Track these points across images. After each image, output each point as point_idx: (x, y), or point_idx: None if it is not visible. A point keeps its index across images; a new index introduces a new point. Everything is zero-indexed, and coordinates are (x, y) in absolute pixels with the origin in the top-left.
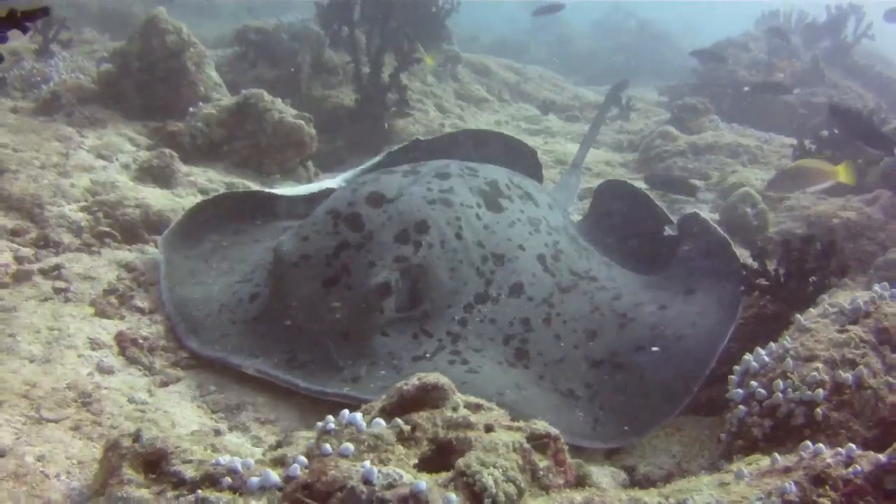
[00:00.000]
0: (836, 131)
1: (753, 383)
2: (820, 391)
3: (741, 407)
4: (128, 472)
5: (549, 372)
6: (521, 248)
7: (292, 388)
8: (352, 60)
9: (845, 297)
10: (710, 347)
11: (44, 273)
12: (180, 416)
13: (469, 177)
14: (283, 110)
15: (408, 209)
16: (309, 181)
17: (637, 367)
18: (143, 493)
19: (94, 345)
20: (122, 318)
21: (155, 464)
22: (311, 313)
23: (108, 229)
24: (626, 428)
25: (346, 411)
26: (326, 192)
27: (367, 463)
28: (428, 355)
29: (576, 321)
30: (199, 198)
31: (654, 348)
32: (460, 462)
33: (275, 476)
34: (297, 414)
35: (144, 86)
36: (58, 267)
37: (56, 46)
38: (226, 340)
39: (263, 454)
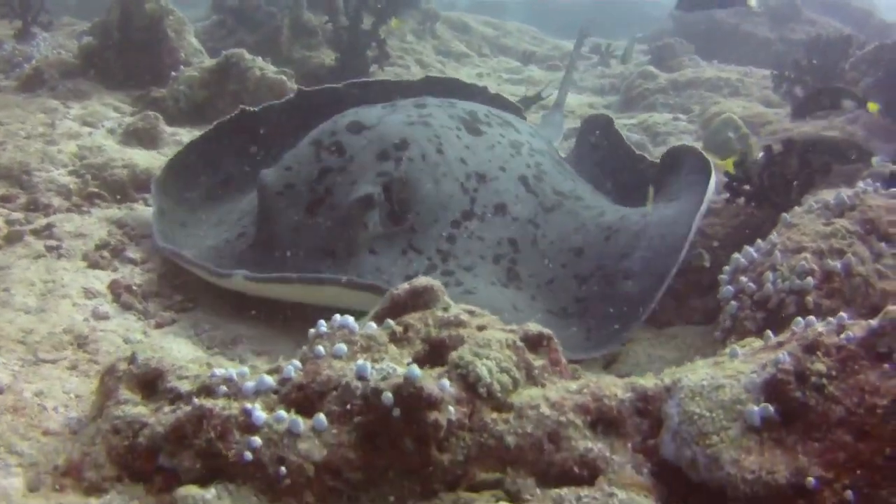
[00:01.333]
0: (814, 61)
1: (743, 278)
2: (809, 279)
3: (733, 303)
4: (125, 392)
5: (540, 294)
6: (501, 170)
7: (284, 281)
8: (330, 20)
9: (830, 195)
10: (686, 227)
11: (35, 233)
12: (176, 350)
13: (447, 107)
14: (264, 67)
15: (388, 131)
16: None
17: (622, 273)
18: (140, 409)
19: (89, 294)
20: (114, 269)
21: (152, 383)
22: (296, 237)
23: (96, 190)
24: (616, 327)
25: (337, 315)
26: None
27: (361, 360)
28: (420, 274)
29: (562, 241)
30: None
31: (639, 253)
32: (453, 354)
33: (269, 379)
34: (293, 346)
35: (126, 55)
36: (49, 226)
37: (37, 29)
38: (217, 263)
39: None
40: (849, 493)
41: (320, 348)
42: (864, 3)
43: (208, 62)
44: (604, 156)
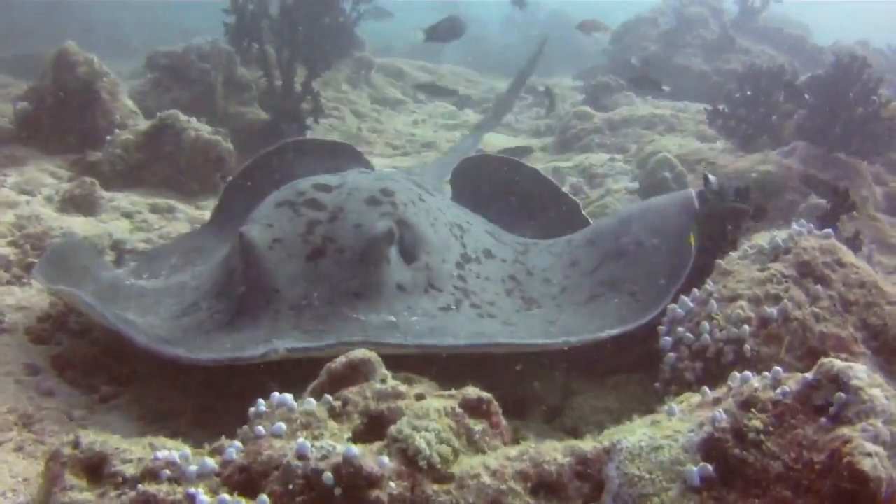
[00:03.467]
0: (748, 93)
1: (680, 329)
2: (745, 327)
3: (671, 354)
4: (70, 478)
5: (562, 301)
6: (469, 223)
7: (342, 350)
8: (264, 75)
9: (764, 238)
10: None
11: None
12: (121, 427)
13: (393, 173)
14: (199, 128)
15: (362, 184)
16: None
17: (629, 245)
18: (87, 496)
19: (33, 370)
20: (58, 342)
21: (96, 467)
22: (306, 288)
23: (36, 260)
24: (661, 282)
25: (275, 393)
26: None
27: (301, 439)
28: (454, 307)
29: (552, 266)
30: (124, 221)
31: (634, 226)
32: (392, 429)
33: (211, 462)
34: (239, 414)
35: (61, 120)
36: None
37: None
38: (217, 343)
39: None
40: None
41: (260, 428)
42: (797, 28)
43: (143, 124)
44: (512, 196)
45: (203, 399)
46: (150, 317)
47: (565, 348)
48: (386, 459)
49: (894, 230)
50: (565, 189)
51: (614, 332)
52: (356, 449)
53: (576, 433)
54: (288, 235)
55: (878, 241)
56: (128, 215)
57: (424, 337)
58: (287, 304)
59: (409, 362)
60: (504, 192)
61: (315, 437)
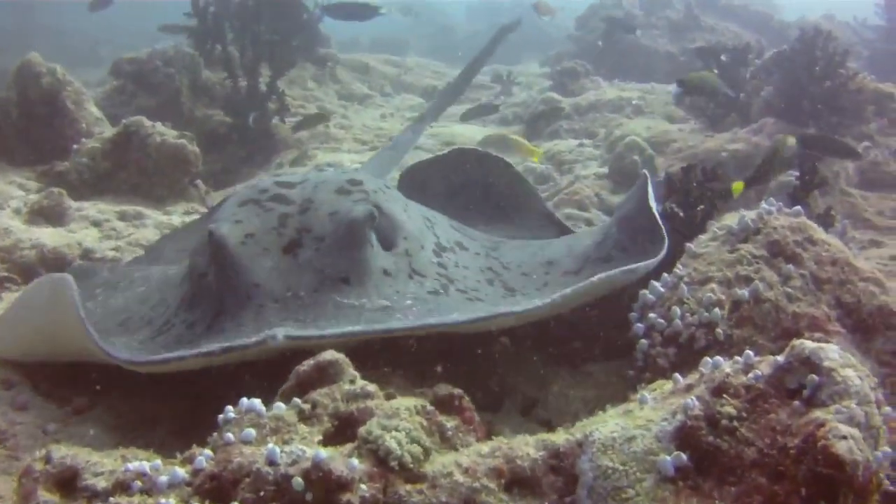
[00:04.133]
0: (714, 71)
1: (652, 315)
2: (717, 310)
3: (643, 340)
4: (43, 494)
5: (547, 292)
6: (433, 216)
7: (347, 338)
8: (228, 76)
9: (733, 219)
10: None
11: None
12: (96, 439)
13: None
14: (164, 133)
15: (328, 177)
16: (201, 201)
17: (610, 242)
18: None
19: (7, 384)
20: None
21: (69, 481)
22: (287, 279)
23: (6, 274)
24: (648, 243)
25: (244, 399)
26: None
27: (271, 445)
28: (442, 291)
29: (528, 262)
30: (93, 230)
31: (613, 229)
32: (362, 430)
33: (181, 472)
34: (211, 422)
35: (27, 131)
36: None
37: None
38: (201, 343)
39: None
40: None
41: (230, 435)
42: (763, 5)
43: (109, 132)
44: (483, 194)
45: (179, 408)
46: (124, 338)
47: (563, 310)
48: (356, 462)
49: (867, 204)
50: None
51: (604, 274)
52: (325, 452)
53: (552, 425)
54: (259, 230)
55: (851, 215)
56: (96, 224)
57: (427, 317)
58: (270, 298)
59: (379, 360)
60: (476, 191)
61: (285, 442)
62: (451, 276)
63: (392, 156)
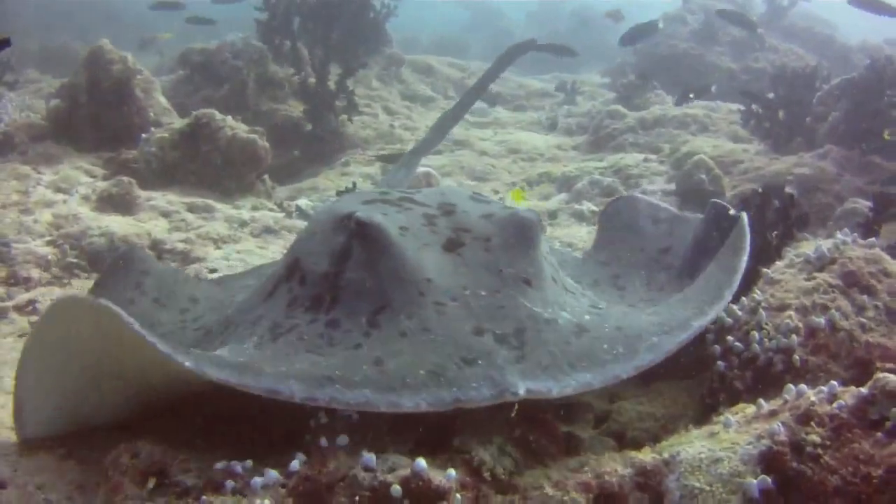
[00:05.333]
0: (781, 94)
1: (729, 338)
2: (794, 337)
3: (720, 363)
4: (130, 487)
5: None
6: None
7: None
8: (296, 72)
9: (809, 247)
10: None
11: (18, 309)
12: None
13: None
14: (235, 127)
15: (444, 190)
16: (268, 196)
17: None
18: None
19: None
20: None
21: (157, 476)
22: (459, 279)
23: (75, 260)
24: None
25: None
26: None
27: (365, 452)
28: (601, 305)
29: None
30: (162, 221)
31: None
32: (456, 440)
33: (276, 473)
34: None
35: (95, 117)
36: (31, 302)
37: (2, 89)
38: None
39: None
40: None
41: (323, 440)
42: (824, 26)
43: (178, 123)
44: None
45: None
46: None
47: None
48: (453, 472)
49: None
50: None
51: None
52: (423, 462)
53: (623, 438)
54: (410, 225)
55: None
56: (165, 215)
57: (636, 342)
58: (447, 295)
59: None
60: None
61: (378, 451)
62: (584, 290)
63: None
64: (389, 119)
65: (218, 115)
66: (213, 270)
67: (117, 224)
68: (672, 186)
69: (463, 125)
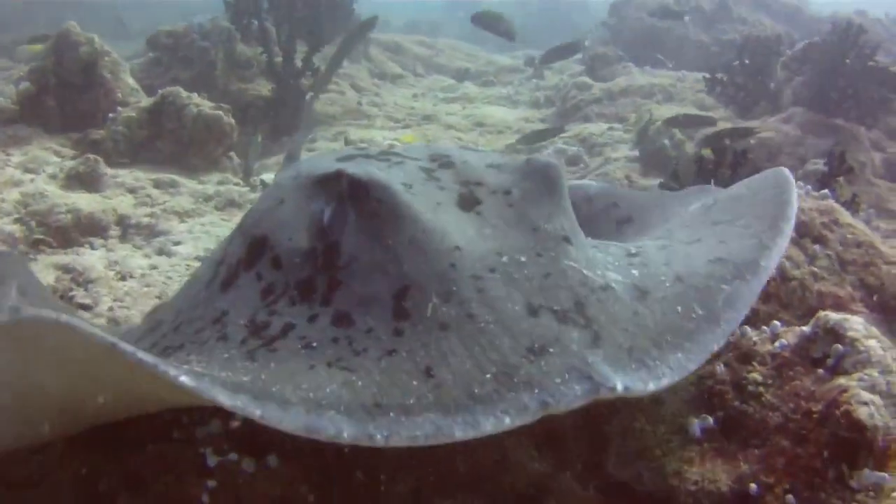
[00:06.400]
0: (746, 61)
1: None
2: None
3: None
4: None
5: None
6: None
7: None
8: (264, 51)
9: None
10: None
11: None
12: None
13: None
14: (201, 104)
15: (423, 145)
16: (234, 172)
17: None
18: None
19: None
20: None
21: None
22: (489, 243)
23: (42, 237)
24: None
25: None
26: None
27: None
28: (636, 251)
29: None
30: (128, 197)
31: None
32: None
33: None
34: None
35: (64, 99)
36: None
37: None
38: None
39: None
40: (790, 498)
41: None
42: None
43: (145, 101)
44: None
45: None
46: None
47: None
48: None
49: (892, 195)
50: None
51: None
52: None
53: None
54: (411, 180)
55: (876, 205)
56: (132, 191)
57: (709, 297)
58: (484, 266)
59: None
60: None
61: None
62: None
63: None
64: (357, 96)
65: (184, 93)
66: (177, 243)
67: (84, 201)
68: (636, 153)
69: (431, 100)
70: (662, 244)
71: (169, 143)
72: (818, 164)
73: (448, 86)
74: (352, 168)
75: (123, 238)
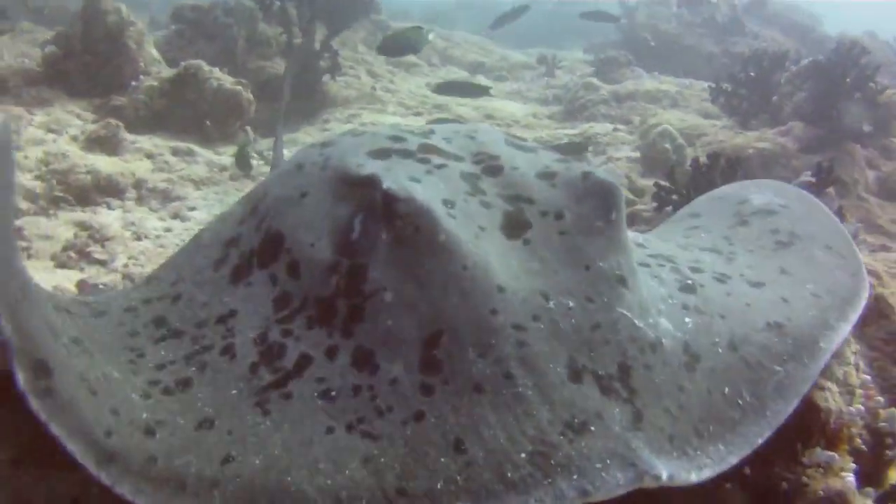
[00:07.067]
0: (751, 74)
1: None
2: None
3: None
4: None
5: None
6: None
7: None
8: (284, 31)
9: None
10: None
11: None
12: None
13: None
14: (221, 78)
15: (466, 128)
16: (249, 146)
17: None
18: None
19: (58, 291)
20: (81, 269)
21: None
22: (534, 283)
23: (61, 194)
24: None
25: None
26: None
27: None
28: (693, 281)
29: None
30: (146, 162)
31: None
32: None
33: None
34: None
35: (88, 65)
36: (17, 230)
37: None
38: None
39: None
40: (746, 470)
41: None
42: (806, 17)
43: (167, 72)
44: None
45: None
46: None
47: None
48: None
49: (882, 211)
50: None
51: None
52: None
53: None
54: (453, 195)
55: (865, 220)
56: (150, 156)
57: (760, 381)
58: (527, 313)
59: None
60: None
61: None
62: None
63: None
64: (372, 81)
65: (205, 66)
66: (191, 209)
67: (103, 163)
68: (637, 154)
69: None
70: (722, 273)
71: (188, 113)
72: (808, 176)
73: (462, 77)
74: (389, 179)
75: (140, 201)
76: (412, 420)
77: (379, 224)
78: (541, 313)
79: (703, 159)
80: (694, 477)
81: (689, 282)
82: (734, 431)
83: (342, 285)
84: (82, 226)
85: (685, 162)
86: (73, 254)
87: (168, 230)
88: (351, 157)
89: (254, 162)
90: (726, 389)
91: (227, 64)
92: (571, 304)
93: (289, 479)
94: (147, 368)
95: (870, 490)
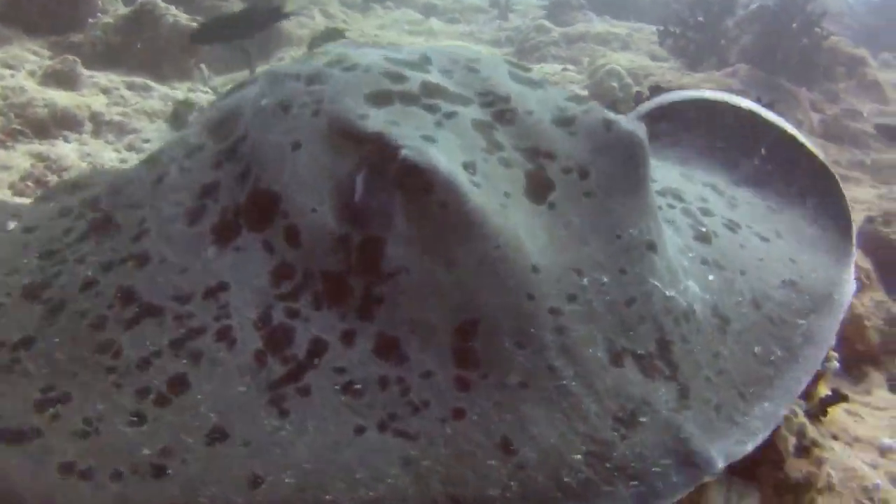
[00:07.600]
0: (700, 18)
1: None
2: None
3: None
4: None
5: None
6: None
7: None
8: None
9: None
10: None
11: None
12: None
13: None
14: (177, 15)
15: (460, 52)
16: (203, 82)
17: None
18: None
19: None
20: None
21: None
22: (563, 255)
23: (19, 127)
24: None
25: None
26: None
27: None
28: (706, 228)
29: None
30: (102, 97)
31: None
32: None
33: None
34: None
35: (45, 5)
36: None
37: None
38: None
39: None
40: None
41: None
42: None
43: (124, 9)
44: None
45: None
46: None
47: None
48: None
49: (826, 153)
50: None
51: None
52: None
53: None
54: (472, 155)
55: None
56: (106, 91)
57: (787, 332)
58: (561, 294)
59: None
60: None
61: None
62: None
63: None
64: (326, 22)
65: (161, 3)
66: (146, 141)
67: (60, 97)
68: (585, 93)
69: (396, 32)
70: (730, 220)
71: (144, 49)
72: None
73: (414, 20)
74: (400, 138)
75: (96, 134)
76: (451, 418)
77: (393, 193)
78: (576, 293)
79: (645, 92)
80: (750, 447)
81: (703, 229)
82: (773, 386)
83: (355, 261)
84: (39, 157)
85: (631, 100)
86: (30, 183)
87: (123, 161)
88: (348, 103)
89: (208, 97)
90: (757, 349)
91: (183, 2)
92: (605, 279)
93: (327, 497)
94: (130, 372)
95: (801, 402)
